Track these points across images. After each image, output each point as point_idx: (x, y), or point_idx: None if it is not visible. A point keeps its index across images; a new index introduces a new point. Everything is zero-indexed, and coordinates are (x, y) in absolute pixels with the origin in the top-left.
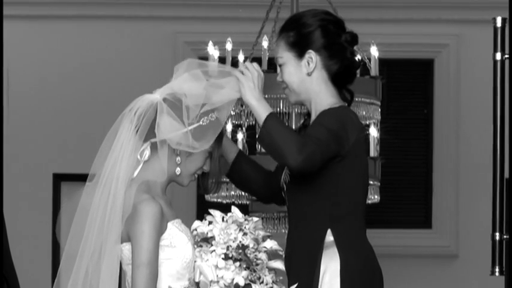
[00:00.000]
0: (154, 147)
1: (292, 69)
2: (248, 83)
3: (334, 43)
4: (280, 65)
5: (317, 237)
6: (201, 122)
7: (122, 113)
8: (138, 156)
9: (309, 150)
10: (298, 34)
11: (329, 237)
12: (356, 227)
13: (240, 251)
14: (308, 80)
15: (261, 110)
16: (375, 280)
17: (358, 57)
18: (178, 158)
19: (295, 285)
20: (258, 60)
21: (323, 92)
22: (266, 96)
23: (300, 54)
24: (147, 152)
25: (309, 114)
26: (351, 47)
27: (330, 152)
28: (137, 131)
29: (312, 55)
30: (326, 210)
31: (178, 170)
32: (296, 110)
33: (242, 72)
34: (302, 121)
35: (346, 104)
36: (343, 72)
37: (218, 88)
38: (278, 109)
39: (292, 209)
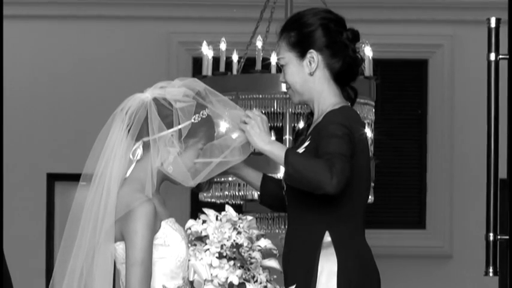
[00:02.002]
0: (146, 147)
1: (295, 69)
2: (254, 130)
3: (336, 41)
4: (282, 66)
5: (315, 238)
6: (192, 120)
7: (114, 113)
8: (131, 156)
9: (338, 170)
10: (299, 34)
11: (327, 237)
12: (355, 228)
13: (234, 249)
14: (311, 79)
15: (277, 151)
16: (372, 282)
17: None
18: (171, 157)
19: (293, 286)
20: (251, 60)
21: (326, 91)
22: (260, 96)
23: (302, 54)
24: (140, 151)
25: (311, 113)
26: (353, 45)
27: (350, 157)
28: (129, 131)
29: (313, 55)
30: (325, 211)
31: (170, 169)
32: (290, 110)
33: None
34: (305, 120)
35: (349, 103)
36: (346, 71)
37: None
38: (272, 109)
39: (292, 208)
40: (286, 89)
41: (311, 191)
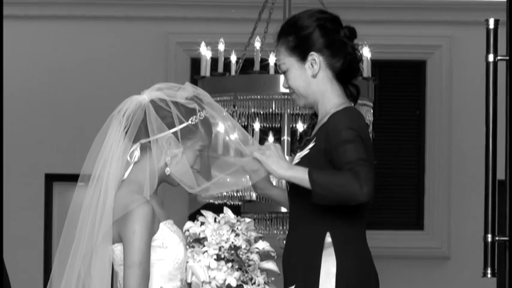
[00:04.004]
0: (144, 148)
1: (297, 73)
2: (271, 159)
3: (334, 40)
4: (284, 72)
5: (316, 239)
6: (190, 121)
7: (111, 115)
8: (128, 158)
9: (365, 177)
10: (297, 38)
11: (327, 238)
12: (356, 230)
13: (232, 251)
14: (314, 81)
15: (300, 175)
16: (371, 283)
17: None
18: (168, 158)
19: (293, 287)
20: (250, 61)
21: (329, 91)
22: (259, 96)
23: (303, 57)
24: (137, 153)
25: (315, 114)
26: (351, 42)
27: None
28: (126, 132)
29: (314, 57)
30: (327, 212)
31: (168, 170)
32: (288, 110)
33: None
34: (309, 121)
35: (352, 102)
36: (347, 69)
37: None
38: (271, 110)
39: (294, 209)
40: (290, 93)
41: (344, 204)
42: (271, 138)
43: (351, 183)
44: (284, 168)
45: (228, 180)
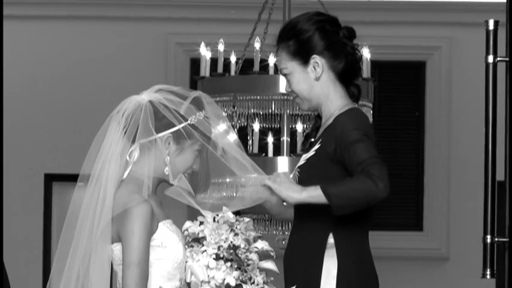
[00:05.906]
0: (143, 148)
1: (300, 77)
2: (284, 186)
3: (335, 41)
4: (285, 75)
5: (318, 240)
6: (188, 121)
7: (110, 115)
8: (127, 157)
9: (378, 174)
10: (297, 41)
11: (330, 239)
12: (359, 232)
13: (231, 251)
14: (317, 84)
15: (314, 193)
16: (371, 286)
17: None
18: (167, 158)
19: (294, 287)
20: (250, 61)
21: (332, 93)
22: (258, 97)
23: (305, 61)
24: (136, 153)
25: (319, 116)
26: (351, 42)
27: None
28: (125, 133)
29: (317, 59)
30: (330, 214)
31: (167, 170)
32: (288, 111)
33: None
34: (313, 123)
35: (355, 104)
36: (349, 69)
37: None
38: (270, 110)
39: (297, 210)
40: (293, 98)
41: (365, 206)
42: (270, 138)
43: (365, 184)
44: (298, 191)
45: (234, 197)
